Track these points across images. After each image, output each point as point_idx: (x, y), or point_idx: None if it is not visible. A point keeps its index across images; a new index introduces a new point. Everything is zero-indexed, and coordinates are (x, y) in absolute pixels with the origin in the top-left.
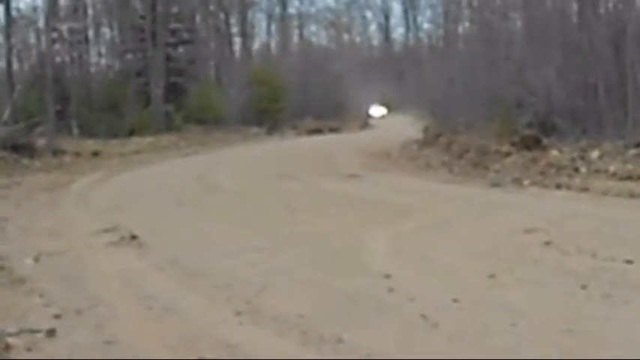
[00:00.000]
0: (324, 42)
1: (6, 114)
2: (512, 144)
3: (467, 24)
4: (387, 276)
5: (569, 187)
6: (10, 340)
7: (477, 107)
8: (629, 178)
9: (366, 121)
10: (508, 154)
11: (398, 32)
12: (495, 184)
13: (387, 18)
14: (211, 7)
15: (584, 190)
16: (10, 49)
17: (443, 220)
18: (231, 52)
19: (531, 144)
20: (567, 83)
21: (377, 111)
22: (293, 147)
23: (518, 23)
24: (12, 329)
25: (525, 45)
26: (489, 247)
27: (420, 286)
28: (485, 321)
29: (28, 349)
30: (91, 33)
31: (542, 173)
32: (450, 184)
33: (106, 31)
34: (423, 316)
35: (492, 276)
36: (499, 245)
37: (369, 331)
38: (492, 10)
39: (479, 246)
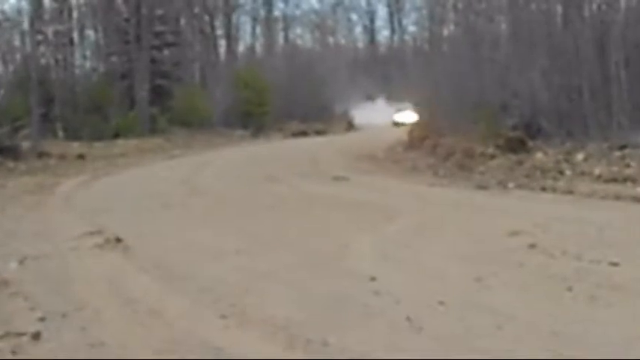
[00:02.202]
0: (309, 44)
1: None
2: (498, 146)
3: (452, 27)
4: (373, 279)
5: (554, 190)
6: None
7: (462, 110)
8: (614, 180)
9: (351, 124)
10: (493, 157)
11: (383, 35)
12: (481, 187)
13: (372, 20)
14: (196, 10)
15: (569, 192)
16: None
17: (428, 223)
18: (216, 54)
19: (516, 146)
20: (552, 85)
21: (405, 116)
22: (278, 149)
23: (503, 26)
24: None
25: (510, 47)
26: (475, 249)
27: (405, 288)
28: (471, 323)
29: (13, 352)
30: (75, 35)
31: (527, 176)
32: (436, 187)
33: (90, 33)
34: (409, 319)
35: (478, 279)
36: (485, 248)
37: (355, 333)
38: (477, 12)
39: (464, 249)
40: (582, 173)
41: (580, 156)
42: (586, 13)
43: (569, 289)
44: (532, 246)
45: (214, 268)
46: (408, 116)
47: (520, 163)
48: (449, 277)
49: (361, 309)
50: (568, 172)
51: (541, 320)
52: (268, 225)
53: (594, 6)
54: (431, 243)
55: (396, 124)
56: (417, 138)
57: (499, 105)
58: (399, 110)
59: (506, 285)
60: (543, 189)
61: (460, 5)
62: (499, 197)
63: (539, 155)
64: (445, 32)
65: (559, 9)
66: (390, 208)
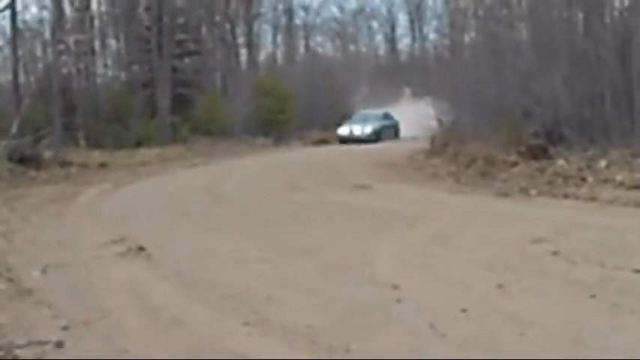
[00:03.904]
0: (330, 52)
1: (14, 127)
2: (519, 153)
3: (473, 34)
4: (395, 286)
5: (576, 197)
6: (18, 352)
7: (484, 117)
8: (637, 187)
9: None
10: (515, 164)
11: (404, 42)
12: (502, 194)
13: (393, 28)
14: (217, 18)
15: (592, 199)
16: (16, 61)
17: (450, 230)
18: (238, 62)
19: (538, 153)
20: (574, 92)
21: (361, 128)
22: (299, 157)
23: (524, 33)
24: (20, 341)
25: (531, 54)
26: (497, 257)
27: (428, 296)
28: (493, 331)
29: None
30: (97, 44)
31: (549, 183)
32: (457, 194)
33: (112, 42)
34: (432, 326)
35: (500, 286)
36: (507, 255)
37: (378, 340)
38: (498, 19)
39: (487, 256)
40: (604, 180)
41: (602, 163)
42: (607, 20)
43: (592, 296)
44: (554, 253)
45: (236, 276)
46: (361, 128)
47: (542, 170)
48: (471, 284)
49: (384, 316)
50: (590, 179)
51: (563, 327)
52: (290, 233)
53: (616, 13)
54: (453, 250)
55: (344, 141)
56: (439, 145)
57: (521, 112)
58: (351, 120)
59: (529, 292)
60: (565, 196)
61: (481, 12)
62: (521, 204)
63: (561, 162)
64: (466, 39)
65: (580, 16)
66: (412, 215)
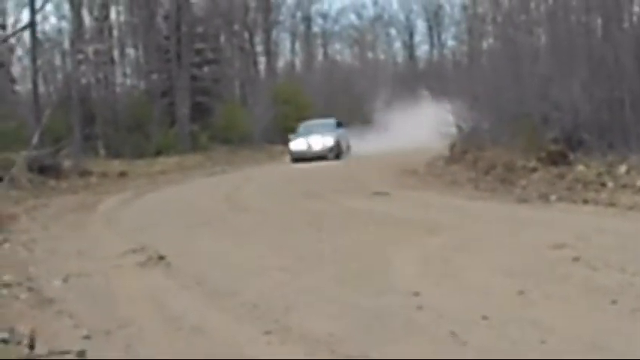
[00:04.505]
0: (348, 60)
1: (35, 138)
2: (539, 159)
3: (491, 40)
4: (416, 293)
5: (596, 202)
6: None
7: (503, 123)
8: None
9: None
10: (534, 170)
11: (422, 49)
12: (522, 200)
13: (411, 35)
14: (236, 27)
15: (612, 205)
16: (36, 72)
17: (470, 237)
18: (256, 71)
19: (558, 159)
20: (593, 98)
21: (317, 141)
22: (318, 165)
23: (543, 38)
24: (42, 350)
25: (550, 60)
26: (518, 263)
27: (448, 303)
28: (514, 338)
29: None
30: (116, 54)
31: (569, 188)
32: (477, 201)
33: (130, 51)
34: (453, 334)
35: (521, 292)
36: (527, 261)
37: (399, 348)
38: (516, 25)
39: (507, 262)
40: (624, 186)
41: (622, 168)
42: (626, 25)
43: (613, 302)
44: (575, 259)
45: (256, 284)
46: (320, 141)
47: (562, 176)
48: (492, 291)
49: (404, 324)
50: (610, 185)
51: (585, 333)
52: (310, 241)
53: (634, 18)
54: (473, 257)
55: (297, 159)
56: (458, 152)
57: (540, 118)
58: (302, 132)
59: (550, 298)
60: (585, 202)
61: (499, 18)
62: (541, 210)
63: (580, 168)
64: (484, 45)
65: (599, 21)
66: (432, 222)
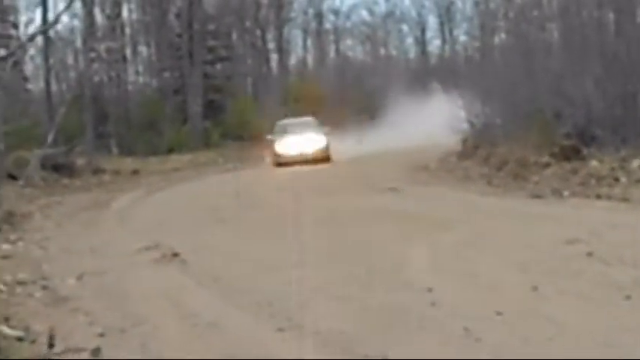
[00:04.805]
0: (360, 56)
1: (50, 137)
2: (552, 155)
3: (503, 35)
4: (429, 290)
5: (609, 198)
6: (55, 359)
7: (515, 118)
8: None
9: None
10: (547, 165)
11: (434, 45)
12: (535, 196)
13: (423, 31)
14: (248, 24)
15: (625, 200)
16: (48, 70)
17: (483, 233)
18: (268, 68)
19: (571, 154)
20: (606, 93)
21: (307, 143)
22: (331, 161)
23: (555, 34)
24: (57, 348)
25: (562, 55)
26: (531, 259)
27: (462, 299)
28: (528, 334)
29: None
30: (128, 52)
31: (582, 184)
32: (490, 196)
33: (143, 49)
34: (467, 330)
35: (535, 288)
36: (541, 257)
37: (413, 345)
38: (529, 21)
39: (520, 258)
40: (638, 180)
41: (635, 163)
42: (639, 20)
43: (627, 297)
44: (589, 254)
45: (271, 282)
46: (312, 142)
47: (575, 171)
48: (505, 286)
49: (418, 321)
50: (623, 180)
51: (598, 329)
52: (323, 238)
53: None
54: (486, 253)
55: (283, 163)
56: (470, 147)
57: (552, 113)
58: (282, 132)
59: (564, 294)
60: (598, 197)
61: (511, 14)
62: (554, 206)
63: (593, 163)
64: (496, 41)
65: (611, 16)
66: (445, 218)
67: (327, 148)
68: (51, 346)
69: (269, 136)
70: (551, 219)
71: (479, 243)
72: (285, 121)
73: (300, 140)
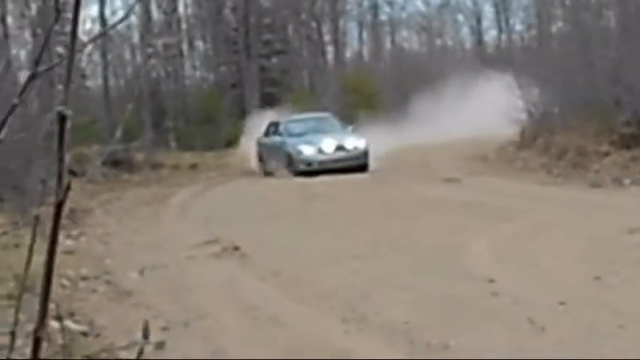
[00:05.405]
0: (416, 47)
1: (118, 132)
2: (611, 143)
3: (560, 24)
4: (491, 280)
5: None
6: (120, 353)
7: (574, 107)
8: None
9: None
10: (607, 154)
11: (490, 35)
12: (595, 185)
13: (478, 21)
14: (303, 17)
15: None
16: (106, 67)
17: (544, 223)
18: (324, 60)
19: (630, 142)
20: None
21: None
22: (387, 152)
23: (613, 21)
24: (122, 342)
25: (621, 43)
26: (593, 248)
27: (524, 289)
28: (592, 323)
29: None
30: (185, 47)
31: None
32: (550, 186)
33: (199, 44)
34: (530, 320)
35: (597, 278)
36: (602, 246)
37: (476, 336)
38: (586, 8)
39: (582, 248)
40: None
41: None
42: None
43: None
44: None
45: (332, 273)
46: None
47: (635, 159)
48: (567, 276)
49: (480, 311)
50: None
51: None
52: (382, 229)
53: None
54: (547, 243)
55: (305, 172)
56: (529, 137)
57: (611, 101)
58: (294, 131)
59: (627, 283)
60: None
61: (568, 2)
62: (614, 195)
63: None
64: (553, 29)
65: None
66: (504, 208)
67: (366, 152)
68: (145, 337)
69: (260, 139)
70: (612, 208)
71: (540, 233)
72: (295, 117)
73: (334, 141)
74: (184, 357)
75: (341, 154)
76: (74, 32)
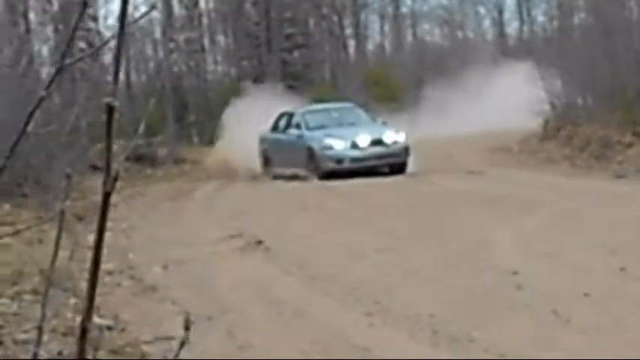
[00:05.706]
0: (437, 40)
1: (141, 127)
2: (635, 134)
3: (582, 15)
4: (515, 272)
5: None
6: (145, 347)
7: (597, 98)
8: None
9: None
10: (630, 145)
11: (512, 27)
12: (619, 176)
13: (500, 12)
14: (324, 11)
15: None
16: (128, 62)
17: (568, 214)
18: (346, 54)
19: None
20: None
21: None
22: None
23: (635, 11)
24: (147, 337)
25: None
26: (617, 240)
27: (548, 281)
28: (618, 315)
29: (164, 357)
30: (206, 41)
31: None
32: (573, 178)
33: (221, 38)
34: (555, 312)
35: (623, 269)
36: (627, 238)
37: (501, 328)
38: None
39: (606, 239)
40: None
41: None
42: None
43: None
44: None
45: (356, 267)
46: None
47: None
48: (592, 268)
49: (505, 303)
50: None
51: None
52: (405, 222)
53: None
54: (571, 234)
55: (332, 172)
56: (552, 129)
57: (635, 92)
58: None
59: None
60: None
61: None
62: (638, 186)
63: None
64: (575, 21)
65: None
66: (528, 200)
67: (407, 148)
68: (187, 328)
69: (264, 135)
70: (636, 199)
71: (563, 225)
72: (311, 107)
73: (364, 135)
74: (209, 351)
75: (378, 149)
76: (122, 22)
